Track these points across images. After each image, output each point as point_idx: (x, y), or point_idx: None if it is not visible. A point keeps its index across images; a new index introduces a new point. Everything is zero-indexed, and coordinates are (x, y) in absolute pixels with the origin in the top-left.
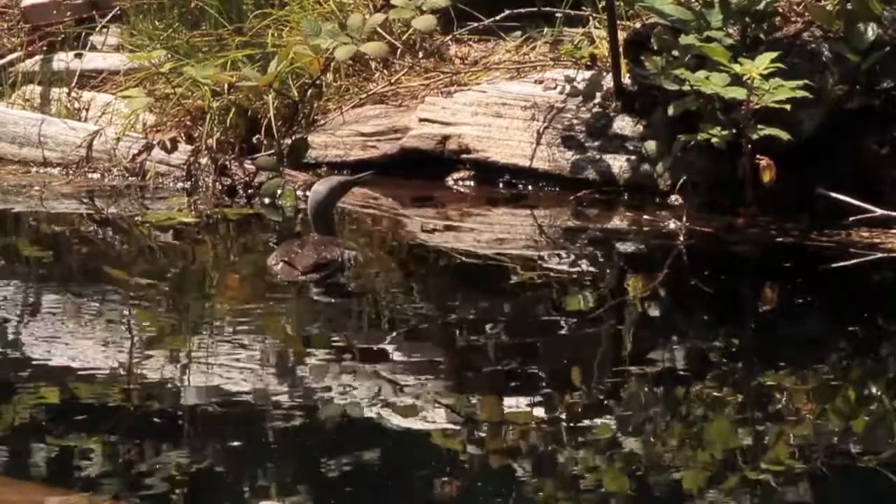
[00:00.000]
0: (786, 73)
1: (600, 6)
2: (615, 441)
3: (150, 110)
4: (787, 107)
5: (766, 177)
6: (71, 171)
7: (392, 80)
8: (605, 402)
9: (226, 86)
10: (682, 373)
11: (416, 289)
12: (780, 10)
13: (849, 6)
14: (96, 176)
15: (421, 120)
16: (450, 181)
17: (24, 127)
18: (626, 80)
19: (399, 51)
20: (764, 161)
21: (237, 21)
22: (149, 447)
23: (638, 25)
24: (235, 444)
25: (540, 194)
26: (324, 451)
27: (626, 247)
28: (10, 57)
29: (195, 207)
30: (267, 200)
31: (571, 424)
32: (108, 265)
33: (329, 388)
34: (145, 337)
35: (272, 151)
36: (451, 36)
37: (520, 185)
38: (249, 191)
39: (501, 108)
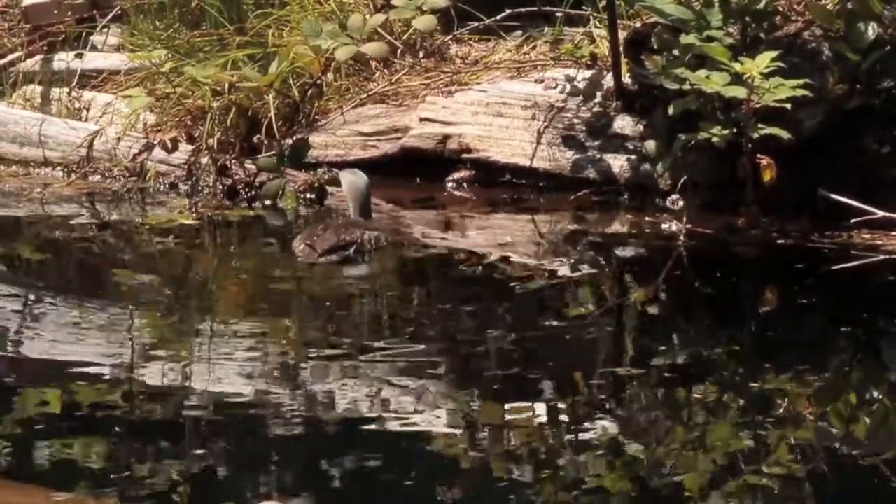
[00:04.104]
0: (786, 72)
1: (601, 5)
2: (617, 444)
3: (150, 110)
4: (788, 106)
5: (767, 176)
6: (72, 171)
7: (392, 80)
8: (607, 404)
9: (226, 86)
10: (682, 375)
11: (415, 292)
12: (781, 9)
13: (849, 5)
14: (97, 176)
15: (421, 119)
16: (450, 181)
17: (25, 127)
18: (627, 79)
19: (399, 51)
20: (764, 160)
21: (238, 21)
22: (151, 449)
23: (638, 25)
24: (236, 446)
25: (541, 199)
26: (324, 453)
27: (626, 249)
28: (10, 57)
29: (196, 209)
30: (268, 202)
31: (573, 427)
32: (108, 268)
33: (330, 391)
34: (146, 339)
35: (273, 151)
36: (451, 35)
37: (520, 185)
38: (250, 191)
39: (502, 107)
